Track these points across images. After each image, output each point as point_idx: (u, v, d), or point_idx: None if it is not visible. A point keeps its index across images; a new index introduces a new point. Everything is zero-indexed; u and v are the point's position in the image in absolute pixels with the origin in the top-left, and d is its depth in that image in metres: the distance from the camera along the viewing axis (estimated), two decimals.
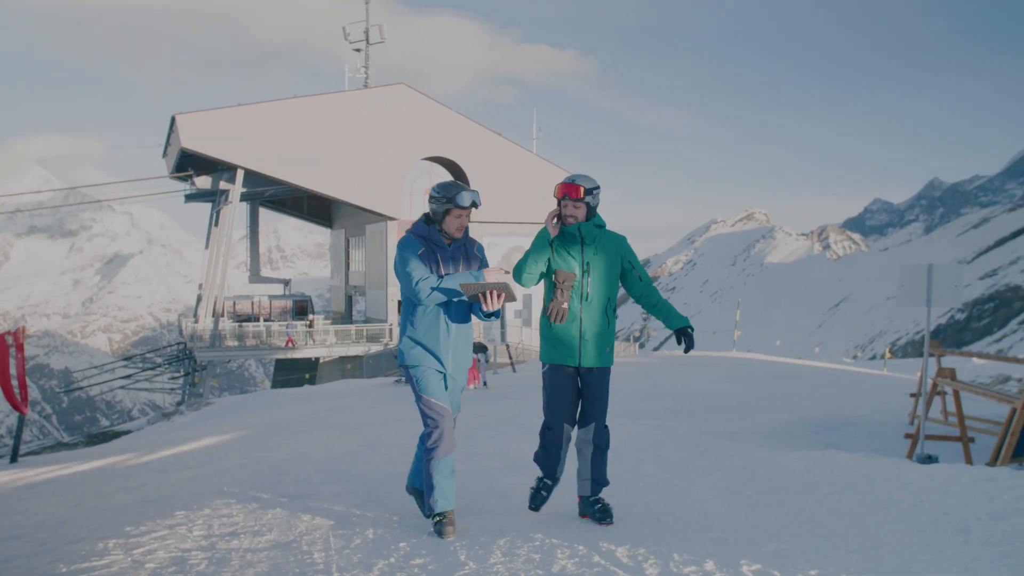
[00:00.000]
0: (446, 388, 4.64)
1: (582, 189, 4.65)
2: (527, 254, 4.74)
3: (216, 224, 42.14)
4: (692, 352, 4.71)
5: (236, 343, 40.14)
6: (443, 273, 4.58)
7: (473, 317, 4.77)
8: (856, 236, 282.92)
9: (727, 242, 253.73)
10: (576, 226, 4.70)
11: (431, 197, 4.64)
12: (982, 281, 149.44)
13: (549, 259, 4.75)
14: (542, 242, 4.73)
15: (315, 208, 53.40)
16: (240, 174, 39.32)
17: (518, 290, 4.66)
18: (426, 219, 4.67)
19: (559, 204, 4.74)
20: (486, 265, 4.76)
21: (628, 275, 4.83)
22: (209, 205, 45.45)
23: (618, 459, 6.69)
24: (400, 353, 4.66)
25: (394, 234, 41.89)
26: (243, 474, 6.93)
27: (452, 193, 4.56)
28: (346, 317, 49.58)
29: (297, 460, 7.65)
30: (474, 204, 4.59)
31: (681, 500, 5.62)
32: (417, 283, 4.48)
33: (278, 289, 50.47)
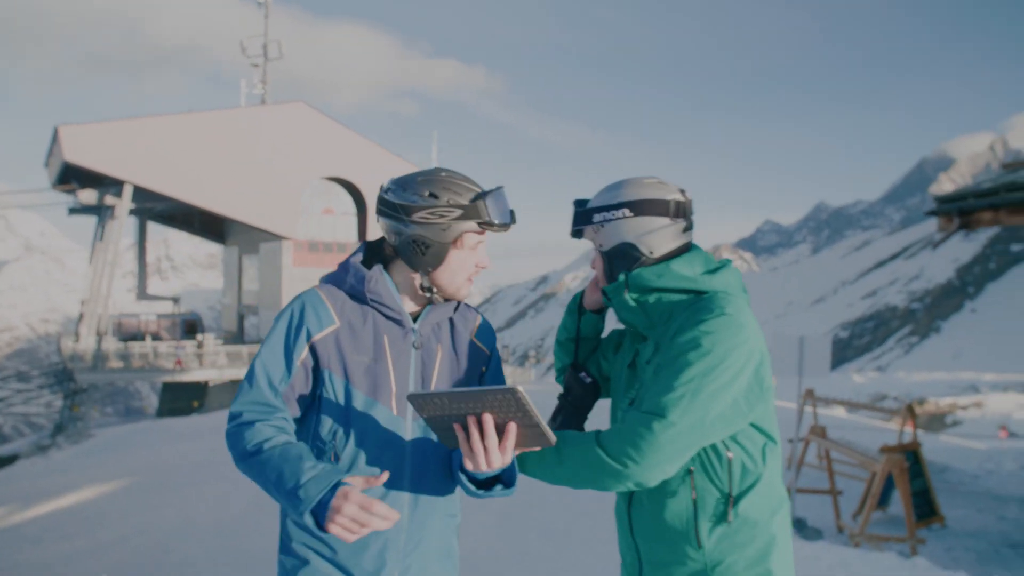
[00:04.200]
0: None
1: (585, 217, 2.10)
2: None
3: (101, 239, 40.55)
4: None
5: (121, 364, 38.65)
6: (385, 396, 1.85)
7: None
8: (748, 255, 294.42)
9: None
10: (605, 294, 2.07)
11: (400, 203, 1.82)
12: (863, 301, 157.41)
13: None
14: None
15: (207, 223, 51.88)
16: (128, 189, 38.01)
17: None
18: (369, 253, 1.97)
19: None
20: (499, 371, 2.07)
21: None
22: (95, 218, 43.77)
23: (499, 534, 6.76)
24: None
25: (289, 253, 41.27)
26: (124, 553, 6.76)
27: (471, 194, 1.85)
28: (238, 337, 48.32)
29: (182, 529, 7.50)
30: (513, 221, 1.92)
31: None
32: (236, 399, 1.80)
33: (167, 307, 48.92)
